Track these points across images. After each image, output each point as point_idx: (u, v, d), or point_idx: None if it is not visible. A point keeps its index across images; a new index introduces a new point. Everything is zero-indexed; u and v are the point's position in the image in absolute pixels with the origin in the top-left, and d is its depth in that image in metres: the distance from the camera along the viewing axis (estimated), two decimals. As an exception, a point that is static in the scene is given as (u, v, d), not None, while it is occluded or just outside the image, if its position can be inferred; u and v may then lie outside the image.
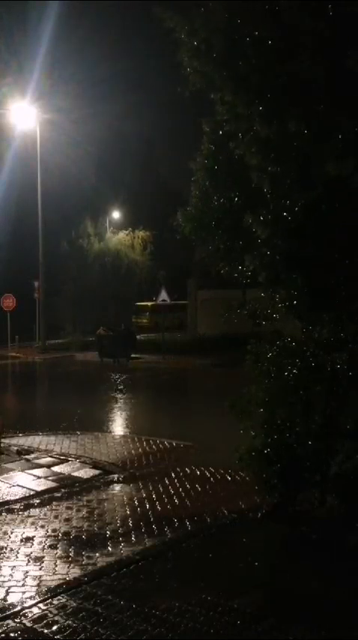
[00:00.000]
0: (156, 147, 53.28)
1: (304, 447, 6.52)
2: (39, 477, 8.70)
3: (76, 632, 4.56)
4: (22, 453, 9.98)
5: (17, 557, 5.97)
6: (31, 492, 8.02)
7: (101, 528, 6.74)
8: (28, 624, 4.72)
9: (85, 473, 8.98)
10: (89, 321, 32.54)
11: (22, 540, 6.40)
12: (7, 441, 10.46)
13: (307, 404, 6.60)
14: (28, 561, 5.87)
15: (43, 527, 6.79)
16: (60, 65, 40.32)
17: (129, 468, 9.19)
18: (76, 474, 8.92)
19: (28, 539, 6.42)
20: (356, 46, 5.70)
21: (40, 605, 5.00)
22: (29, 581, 5.45)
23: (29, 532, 6.63)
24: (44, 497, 7.81)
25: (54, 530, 6.68)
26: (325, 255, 6.61)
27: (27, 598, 5.13)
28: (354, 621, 4.71)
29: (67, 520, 7.00)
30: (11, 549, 6.16)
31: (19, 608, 4.96)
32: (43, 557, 5.97)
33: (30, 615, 4.85)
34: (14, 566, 5.75)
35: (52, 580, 5.47)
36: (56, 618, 4.77)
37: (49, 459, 9.66)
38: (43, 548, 6.18)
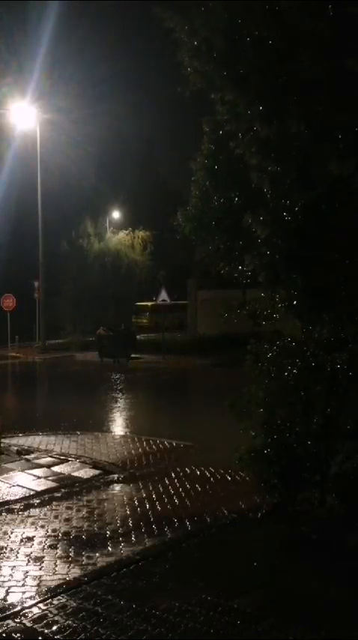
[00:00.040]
0: (156, 147, 53.40)
1: (304, 447, 6.51)
2: (39, 477, 8.70)
3: (76, 632, 4.56)
4: (22, 453, 9.98)
5: (17, 557, 5.97)
6: (31, 492, 8.02)
7: (101, 528, 6.74)
8: (28, 624, 4.72)
9: (85, 473, 8.98)
10: (89, 321, 32.56)
11: (22, 540, 6.40)
12: (7, 441, 10.46)
13: (307, 404, 6.60)
14: (28, 561, 5.87)
15: (43, 527, 6.79)
16: (60, 65, 40.41)
17: (129, 468, 9.19)
18: (76, 474, 8.92)
19: (28, 539, 6.42)
20: (356, 46, 5.70)
21: (40, 605, 5.00)
22: (29, 581, 5.45)
23: (29, 532, 6.63)
24: (44, 497, 7.81)
25: (54, 530, 6.68)
26: (325, 255, 6.61)
27: (27, 598, 5.13)
28: (354, 621, 4.71)
29: (67, 520, 7.00)
30: (11, 549, 6.16)
31: (19, 608, 4.96)
32: (43, 557, 5.98)
33: (30, 615, 4.85)
34: (14, 566, 5.75)
35: (52, 580, 5.47)
36: (56, 618, 4.77)
37: (49, 459, 9.66)
38: (43, 548, 6.18)
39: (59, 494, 7.93)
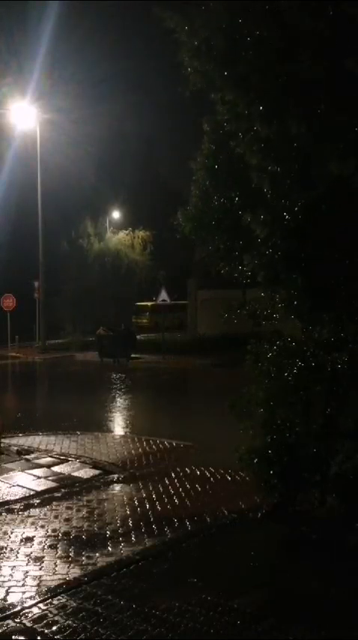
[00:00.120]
0: (156, 147, 53.31)
1: (304, 447, 6.51)
2: (39, 477, 8.69)
3: (76, 632, 4.56)
4: (22, 453, 9.98)
5: (17, 557, 5.97)
6: (31, 492, 8.02)
7: (101, 528, 6.74)
8: (28, 624, 4.72)
9: (85, 473, 8.98)
10: (89, 321, 32.53)
11: (22, 540, 6.40)
12: (7, 441, 10.46)
13: (307, 404, 6.60)
14: (28, 561, 5.87)
15: (43, 527, 6.79)
16: (60, 65, 40.39)
17: (129, 468, 9.19)
18: (76, 474, 8.92)
19: (28, 539, 6.42)
20: (356, 46, 5.70)
21: (40, 605, 5.00)
22: (29, 581, 5.45)
23: (29, 532, 6.63)
24: (44, 497, 7.81)
25: (54, 530, 6.68)
26: (325, 255, 6.61)
27: (27, 598, 5.13)
28: (354, 621, 4.71)
29: (67, 520, 7.00)
30: (11, 549, 6.16)
31: (19, 608, 4.96)
32: (43, 557, 5.97)
33: (30, 615, 4.85)
34: (14, 566, 5.75)
35: (52, 580, 5.47)
36: (56, 618, 4.77)
37: (49, 459, 9.66)
38: (43, 548, 6.18)
39: (59, 494, 7.93)
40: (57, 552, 6.08)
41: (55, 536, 6.52)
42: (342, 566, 5.58)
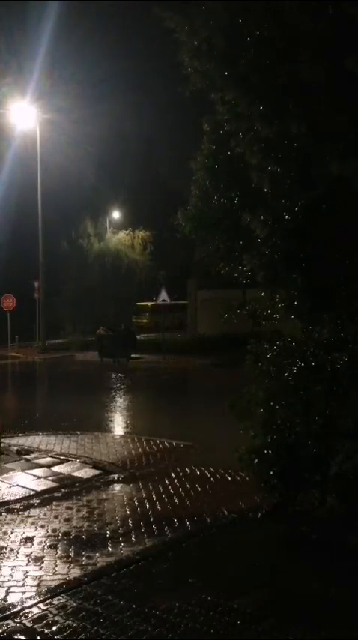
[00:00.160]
0: (156, 147, 53.25)
1: (304, 447, 6.51)
2: (39, 477, 8.69)
3: (76, 632, 4.56)
4: (22, 453, 9.98)
5: (17, 557, 5.97)
6: (31, 492, 8.02)
7: (101, 528, 6.74)
8: (28, 624, 4.72)
9: (85, 473, 8.98)
10: (89, 321, 32.53)
11: (22, 540, 6.40)
12: (7, 441, 10.46)
13: (307, 404, 6.60)
14: (28, 561, 5.87)
15: (43, 527, 6.79)
16: (60, 65, 40.35)
17: (129, 468, 9.19)
18: (76, 474, 8.92)
19: (28, 539, 6.42)
20: (357, 46, 5.70)
21: (40, 605, 5.00)
22: (29, 581, 5.45)
23: (29, 532, 6.63)
24: (44, 497, 7.80)
25: (54, 530, 6.68)
26: (325, 255, 6.61)
27: (27, 598, 5.13)
28: (354, 621, 4.71)
29: (67, 520, 7.00)
30: (11, 549, 6.16)
31: (19, 608, 4.96)
32: (43, 557, 5.97)
33: (30, 615, 4.85)
34: (14, 566, 5.75)
35: (52, 580, 5.47)
36: (56, 618, 4.77)
37: (49, 459, 9.66)
38: (43, 548, 6.18)
39: (59, 494, 7.93)
40: (57, 552, 6.08)
41: (55, 536, 6.52)
42: (342, 566, 5.58)
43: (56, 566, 5.77)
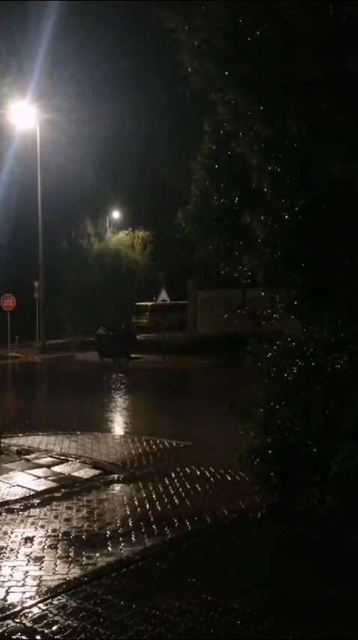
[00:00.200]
0: (156, 147, 53.24)
1: (304, 447, 6.51)
2: (39, 477, 8.70)
3: (76, 632, 4.56)
4: (22, 453, 9.98)
5: (17, 557, 5.97)
6: (31, 492, 8.02)
7: (101, 528, 6.74)
8: (28, 624, 4.72)
9: (85, 473, 8.98)
10: (89, 321, 32.53)
11: (22, 540, 6.40)
12: (7, 441, 10.46)
13: (307, 404, 6.60)
14: (28, 561, 5.87)
15: (43, 527, 6.79)
16: (60, 65, 40.35)
17: (129, 468, 9.19)
18: (76, 474, 8.92)
19: (28, 539, 6.42)
20: (357, 46, 5.70)
21: (40, 605, 5.00)
22: (29, 581, 5.45)
23: (29, 532, 6.63)
24: (44, 497, 7.81)
25: (54, 530, 6.68)
26: (325, 255, 6.61)
27: (27, 598, 5.13)
28: (354, 621, 4.71)
29: (67, 520, 7.00)
30: (11, 549, 6.16)
31: (19, 608, 4.96)
32: (43, 557, 5.97)
33: (30, 615, 4.85)
34: (14, 566, 5.75)
35: (52, 580, 5.47)
36: (56, 618, 4.77)
37: (49, 459, 9.66)
38: (43, 548, 6.18)
39: (59, 494, 7.93)
40: (57, 552, 6.08)
41: (55, 536, 6.52)
42: (342, 566, 5.58)
43: (56, 566, 5.77)
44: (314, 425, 6.55)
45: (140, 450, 10.34)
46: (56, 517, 7.10)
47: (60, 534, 6.57)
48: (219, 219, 7.22)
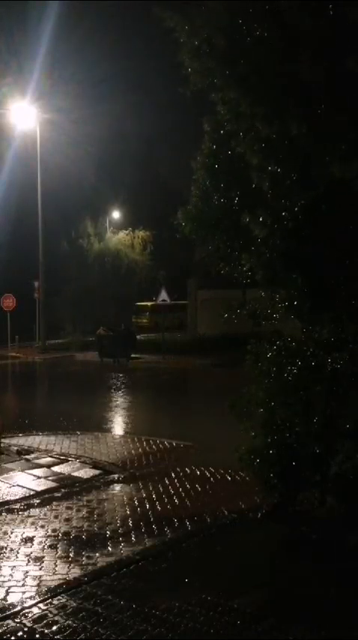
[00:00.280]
0: (156, 147, 53.20)
1: (304, 447, 6.51)
2: (39, 477, 8.70)
3: (76, 632, 4.56)
4: (22, 453, 9.98)
5: (17, 557, 5.97)
6: (31, 492, 8.02)
7: (101, 528, 6.74)
8: (28, 624, 4.72)
9: (85, 473, 8.98)
10: (89, 321, 32.54)
11: (22, 540, 6.40)
12: (7, 441, 10.46)
13: (307, 404, 6.60)
14: (28, 561, 5.87)
15: (43, 527, 6.79)
16: (60, 65, 40.33)
17: (129, 468, 9.19)
18: (76, 474, 8.92)
19: (28, 539, 6.42)
20: (357, 46, 5.70)
21: (40, 605, 5.00)
22: (29, 581, 5.45)
23: (29, 532, 6.63)
24: (44, 497, 7.81)
25: (54, 530, 6.68)
26: (325, 255, 6.61)
27: (27, 598, 5.13)
28: (354, 621, 4.71)
29: (67, 520, 7.00)
30: (11, 549, 6.16)
31: (19, 608, 4.96)
32: (43, 557, 5.97)
33: (30, 615, 4.85)
34: (14, 566, 5.75)
35: (52, 580, 5.47)
36: (56, 618, 4.77)
37: (49, 459, 9.66)
38: (43, 548, 6.18)
39: (59, 494, 7.93)
40: (57, 552, 6.08)
41: (55, 536, 6.52)
42: (342, 566, 5.57)
43: (56, 566, 5.77)
44: (314, 425, 6.54)
45: (140, 450, 10.34)
46: (56, 517, 7.10)
47: (60, 534, 6.57)
48: (219, 219, 7.22)
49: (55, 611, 4.88)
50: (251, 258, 6.81)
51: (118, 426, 13.41)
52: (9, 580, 5.47)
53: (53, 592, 5.20)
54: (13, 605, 5.00)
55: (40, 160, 29.50)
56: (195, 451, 10.17)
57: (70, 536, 6.52)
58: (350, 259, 6.56)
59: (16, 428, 12.05)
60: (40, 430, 12.04)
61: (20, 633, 4.60)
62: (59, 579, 5.48)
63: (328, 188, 6.21)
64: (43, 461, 9.57)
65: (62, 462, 9.53)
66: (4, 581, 5.44)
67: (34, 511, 7.31)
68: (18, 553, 6.07)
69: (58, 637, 4.52)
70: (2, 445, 9.97)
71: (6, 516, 7.14)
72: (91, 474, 8.91)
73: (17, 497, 7.85)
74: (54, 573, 5.61)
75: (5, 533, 6.63)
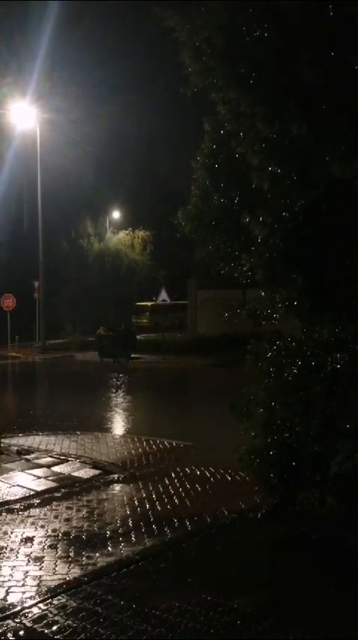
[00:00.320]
0: (156, 147, 53.21)
1: (304, 447, 6.51)
2: (39, 477, 8.69)
3: (76, 632, 4.56)
4: (22, 453, 9.98)
5: (17, 557, 5.97)
6: (31, 492, 8.02)
7: (101, 528, 6.74)
8: (28, 624, 4.72)
9: (85, 473, 8.98)
10: (89, 321, 32.54)
11: (22, 540, 6.40)
12: (7, 441, 10.46)
13: (307, 404, 6.60)
14: (28, 561, 5.87)
15: (43, 527, 6.79)
16: (60, 65, 40.34)
17: (129, 468, 9.19)
18: (76, 473, 8.92)
19: (28, 539, 6.42)
20: (357, 46, 5.69)
21: (40, 605, 5.00)
22: (29, 581, 5.45)
23: (29, 532, 6.63)
24: (44, 497, 7.81)
25: (54, 530, 6.68)
26: (325, 255, 6.61)
27: (27, 598, 5.13)
28: (354, 621, 4.71)
29: (67, 520, 7.00)
30: (11, 549, 6.16)
31: (19, 608, 4.96)
32: (43, 557, 5.97)
33: (30, 615, 4.85)
34: (14, 566, 5.75)
35: (52, 580, 5.47)
36: (56, 618, 4.77)
37: (49, 459, 9.66)
38: (43, 548, 6.18)
39: (59, 494, 7.93)
40: (57, 552, 6.08)
41: (55, 536, 6.52)
42: (342, 566, 5.57)
43: (56, 566, 5.77)
44: (314, 425, 6.54)
45: (140, 450, 10.34)
46: (56, 517, 7.10)
47: (60, 534, 6.57)
48: (219, 219, 7.22)
49: (55, 611, 4.88)
50: (251, 258, 6.81)
51: (118, 425, 13.42)
52: (9, 580, 5.47)
53: (53, 592, 5.20)
54: (13, 605, 5.00)
55: (40, 160, 29.51)
56: (195, 451, 10.18)
57: (70, 536, 6.52)
58: (350, 259, 6.56)
59: (16, 428, 12.05)
60: (40, 430, 12.05)
61: (20, 633, 4.60)
62: (59, 579, 5.48)
63: (328, 188, 6.21)
64: (43, 461, 9.57)
65: (62, 462, 9.53)
66: (4, 581, 5.44)
67: (34, 511, 7.31)
68: (18, 553, 6.07)
69: (58, 637, 4.52)
70: (2, 445, 9.97)
71: (6, 516, 7.14)
72: (91, 474, 8.91)
73: (17, 497, 7.84)
74: (54, 573, 5.61)
75: (5, 533, 6.63)
